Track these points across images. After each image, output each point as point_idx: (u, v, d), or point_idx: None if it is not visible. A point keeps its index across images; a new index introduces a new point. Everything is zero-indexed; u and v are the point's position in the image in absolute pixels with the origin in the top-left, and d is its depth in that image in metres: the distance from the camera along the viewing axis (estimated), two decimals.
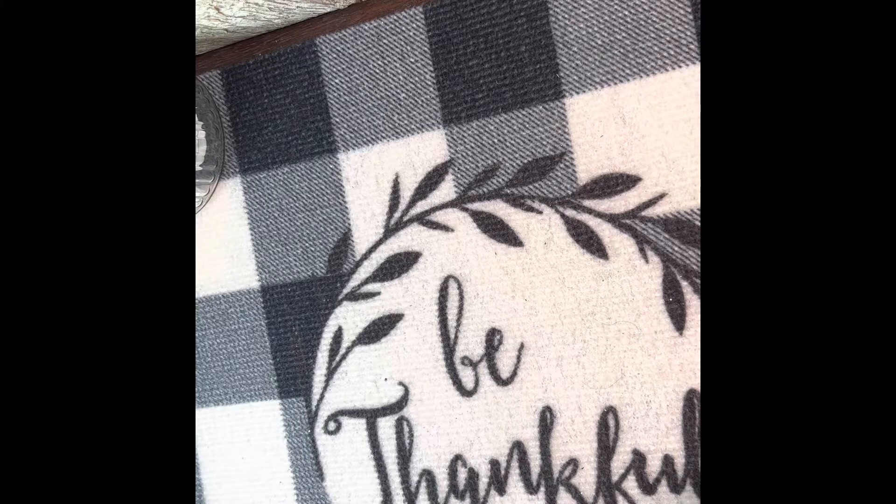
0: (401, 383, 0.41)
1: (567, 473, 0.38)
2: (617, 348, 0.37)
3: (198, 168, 0.43)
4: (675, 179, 0.36)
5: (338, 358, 0.43)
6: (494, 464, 0.40)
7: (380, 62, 0.41)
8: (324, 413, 0.43)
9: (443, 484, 0.41)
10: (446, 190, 0.40)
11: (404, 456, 0.41)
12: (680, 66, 0.36)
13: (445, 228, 0.40)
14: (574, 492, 0.38)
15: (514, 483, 0.39)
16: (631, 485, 0.37)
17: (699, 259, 0.36)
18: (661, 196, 0.36)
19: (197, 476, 0.46)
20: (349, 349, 0.42)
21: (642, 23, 0.37)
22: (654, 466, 0.37)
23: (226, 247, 0.45)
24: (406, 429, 0.41)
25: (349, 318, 0.42)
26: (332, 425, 0.43)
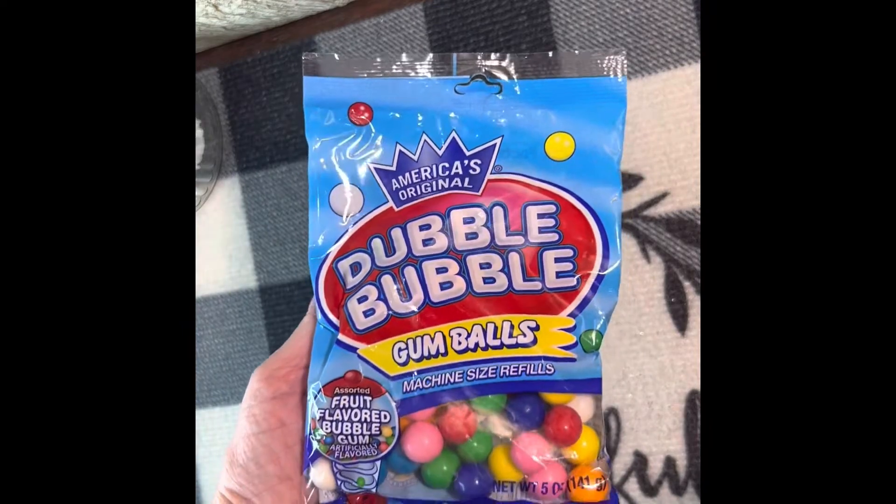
0: None
1: None
2: (619, 349, 0.37)
3: (195, 167, 0.42)
4: (678, 179, 0.36)
5: None
6: None
7: None
8: None
9: None
10: None
11: None
12: (682, 65, 0.36)
13: None
14: None
15: None
16: (633, 486, 0.37)
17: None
18: (664, 195, 0.36)
19: (197, 476, 0.46)
20: None
21: (644, 21, 0.36)
22: (655, 468, 0.37)
23: (224, 246, 0.44)
24: None
25: None
26: None
